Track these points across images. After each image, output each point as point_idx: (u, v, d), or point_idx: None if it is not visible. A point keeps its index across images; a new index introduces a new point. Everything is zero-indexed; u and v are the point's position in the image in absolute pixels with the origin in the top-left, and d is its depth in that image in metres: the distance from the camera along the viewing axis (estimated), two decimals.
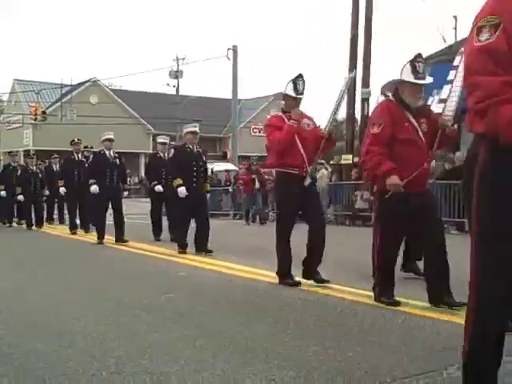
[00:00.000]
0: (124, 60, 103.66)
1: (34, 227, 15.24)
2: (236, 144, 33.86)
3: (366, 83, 17.41)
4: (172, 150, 10.69)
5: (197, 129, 9.45)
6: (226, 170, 25.52)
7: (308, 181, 6.16)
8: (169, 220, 11.21)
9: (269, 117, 6.79)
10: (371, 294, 5.56)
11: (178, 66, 43.31)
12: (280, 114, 6.37)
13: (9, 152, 18.23)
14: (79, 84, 46.69)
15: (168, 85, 44.70)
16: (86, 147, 14.24)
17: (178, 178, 9.05)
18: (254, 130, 51.40)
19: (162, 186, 11.16)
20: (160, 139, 12.41)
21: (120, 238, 10.74)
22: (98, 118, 37.39)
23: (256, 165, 17.82)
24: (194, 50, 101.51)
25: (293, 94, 6.24)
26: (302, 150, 6.13)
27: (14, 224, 16.39)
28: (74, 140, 13.81)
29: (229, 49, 28.37)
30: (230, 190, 20.21)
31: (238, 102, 30.60)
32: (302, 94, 6.29)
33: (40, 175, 15.37)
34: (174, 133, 43.22)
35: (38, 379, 3.39)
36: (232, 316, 4.87)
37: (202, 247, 8.94)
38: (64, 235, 13.13)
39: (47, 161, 17.23)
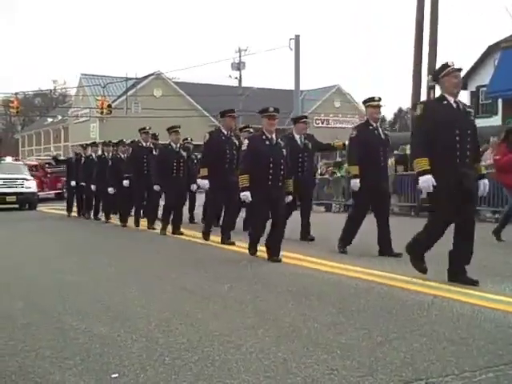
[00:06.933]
0: (187, 53, 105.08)
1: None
2: None
3: (432, 70, 16.83)
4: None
5: None
6: None
7: None
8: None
9: None
10: (438, 285, 5.46)
11: (240, 57, 43.52)
12: None
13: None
14: (143, 77, 47.58)
15: (230, 77, 44.98)
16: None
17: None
18: (317, 121, 51.07)
19: None
20: None
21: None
22: (161, 111, 38.02)
23: None
24: (256, 41, 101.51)
25: None
26: None
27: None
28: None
29: (291, 39, 28.08)
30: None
31: (300, 92, 30.31)
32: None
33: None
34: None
35: (102, 363, 3.45)
36: (294, 305, 4.83)
37: None
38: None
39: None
